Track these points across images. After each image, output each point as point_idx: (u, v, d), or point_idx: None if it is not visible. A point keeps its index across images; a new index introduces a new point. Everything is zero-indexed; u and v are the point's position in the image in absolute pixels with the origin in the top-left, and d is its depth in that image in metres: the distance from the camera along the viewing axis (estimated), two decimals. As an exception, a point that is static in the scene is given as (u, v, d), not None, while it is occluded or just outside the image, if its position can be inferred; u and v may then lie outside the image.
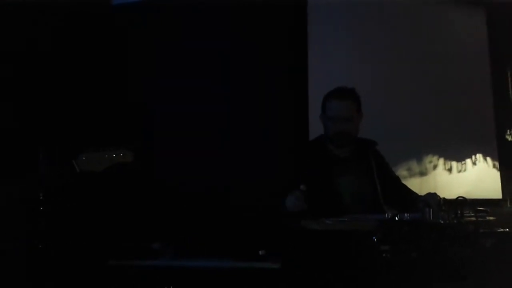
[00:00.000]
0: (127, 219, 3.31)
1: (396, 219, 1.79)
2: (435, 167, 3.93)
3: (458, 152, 4.01)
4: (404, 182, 2.73)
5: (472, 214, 1.85)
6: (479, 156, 4.07)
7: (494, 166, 4.11)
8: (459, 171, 4.01)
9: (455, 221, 1.78)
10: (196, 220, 3.37)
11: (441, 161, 3.96)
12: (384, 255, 1.68)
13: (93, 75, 3.52)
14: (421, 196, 2.19)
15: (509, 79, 4.27)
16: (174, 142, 3.58)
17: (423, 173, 3.88)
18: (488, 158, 4.10)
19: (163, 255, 3.12)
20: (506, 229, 1.86)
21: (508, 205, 4.13)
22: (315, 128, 2.90)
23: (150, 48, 3.72)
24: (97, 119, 3.41)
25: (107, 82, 3.57)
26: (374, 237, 1.70)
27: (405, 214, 1.83)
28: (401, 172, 3.74)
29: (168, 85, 3.65)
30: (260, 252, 2.99)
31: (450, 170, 3.99)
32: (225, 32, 3.64)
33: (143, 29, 3.71)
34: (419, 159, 3.89)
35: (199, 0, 3.66)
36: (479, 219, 1.83)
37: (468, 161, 4.04)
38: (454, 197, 1.87)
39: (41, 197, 2.02)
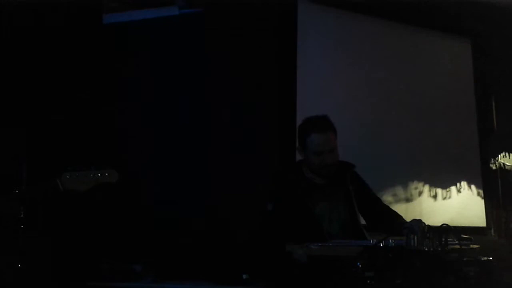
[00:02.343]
0: (108, 240, 3.26)
1: (381, 245, 1.79)
2: (420, 193, 3.95)
3: (443, 179, 4.04)
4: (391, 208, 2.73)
5: (456, 242, 1.85)
6: (463, 184, 4.10)
7: (478, 194, 4.15)
8: (444, 198, 4.03)
9: (439, 249, 1.78)
10: (178, 242, 3.32)
11: (427, 187, 3.98)
12: (368, 281, 1.67)
13: (80, 93, 3.51)
14: (406, 222, 2.18)
15: (494, 108, 4.35)
16: (156, 164, 3.55)
17: (408, 199, 3.90)
18: (473, 186, 4.13)
19: (144, 277, 3.07)
20: (489, 257, 1.86)
21: (492, 233, 4.15)
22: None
23: (139, 66, 3.72)
24: (83, 137, 3.38)
25: (94, 100, 3.56)
26: (358, 263, 1.68)
27: (390, 241, 1.82)
28: (387, 197, 3.75)
29: (155, 104, 3.65)
30: (244, 276, 2.96)
31: (435, 197, 4.01)
32: (214, 49, 3.66)
33: (134, 48, 3.72)
34: (405, 185, 3.91)
35: (189, 19, 3.70)
36: (463, 247, 1.83)
37: (453, 188, 4.07)
38: (439, 224, 1.88)
39: (22, 215, 1.98)
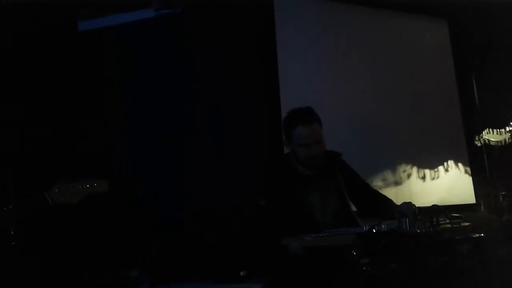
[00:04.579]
0: (104, 247, 3.25)
1: (374, 231, 1.80)
2: (409, 176, 4.00)
3: (430, 160, 4.09)
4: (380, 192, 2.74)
5: (447, 221, 1.87)
6: (451, 162, 4.15)
7: (466, 171, 4.20)
8: (433, 179, 4.08)
9: (431, 230, 1.79)
10: (174, 244, 3.32)
11: (415, 169, 4.02)
12: (364, 268, 1.68)
13: (62, 103, 3.47)
14: (396, 206, 2.20)
15: (475, 86, 4.40)
16: (149, 168, 3.54)
17: (398, 183, 3.93)
18: (460, 164, 4.18)
19: (142, 282, 3.06)
20: (481, 234, 1.89)
21: (482, 209, 4.21)
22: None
23: (118, 73, 3.69)
24: (69, 149, 3.35)
25: (77, 109, 3.53)
26: (353, 251, 1.70)
27: (382, 226, 1.83)
28: (377, 182, 3.79)
29: (137, 110, 3.62)
30: (242, 273, 2.97)
31: (423, 178, 4.05)
32: (193, 48, 3.65)
33: (110, 54, 3.69)
34: (394, 169, 3.95)
35: (166, 20, 3.67)
36: (454, 225, 1.85)
37: (441, 168, 4.12)
38: (430, 204, 1.89)
39: (12, 232, 1.97)
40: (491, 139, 4.03)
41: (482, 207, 4.21)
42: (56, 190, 1.92)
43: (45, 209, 1.91)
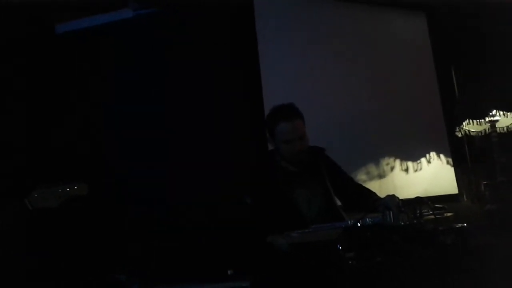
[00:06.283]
0: (90, 253, 3.22)
1: (359, 225, 1.81)
2: (392, 168, 4.02)
3: (413, 152, 4.12)
4: (364, 186, 2.76)
5: (431, 212, 1.89)
6: (433, 154, 4.20)
7: (448, 162, 4.25)
8: (415, 171, 4.12)
9: (415, 221, 1.82)
10: (161, 246, 3.30)
11: (398, 162, 4.05)
12: (350, 262, 1.69)
13: (40, 107, 3.42)
14: (380, 198, 2.22)
15: (454, 77, 4.45)
16: (131, 169, 3.51)
17: (381, 176, 3.96)
18: (442, 156, 4.23)
19: (130, 285, 3.04)
20: (464, 223, 1.91)
21: (465, 199, 4.27)
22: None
23: (97, 73, 3.65)
24: (47, 153, 3.30)
25: (56, 112, 3.48)
26: (338, 246, 1.71)
27: (367, 219, 1.85)
28: (361, 176, 3.81)
29: (115, 111, 3.59)
30: (229, 272, 2.97)
31: (406, 170, 4.08)
32: (173, 47, 3.63)
33: (88, 57, 3.65)
34: (377, 162, 3.97)
35: (144, 20, 3.64)
36: (438, 216, 1.87)
37: (423, 160, 4.16)
38: (413, 196, 1.91)
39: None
40: (472, 130, 4.09)
41: (464, 197, 4.27)
42: (36, 195, 1.89)
43: (26, 215, 1.88)
